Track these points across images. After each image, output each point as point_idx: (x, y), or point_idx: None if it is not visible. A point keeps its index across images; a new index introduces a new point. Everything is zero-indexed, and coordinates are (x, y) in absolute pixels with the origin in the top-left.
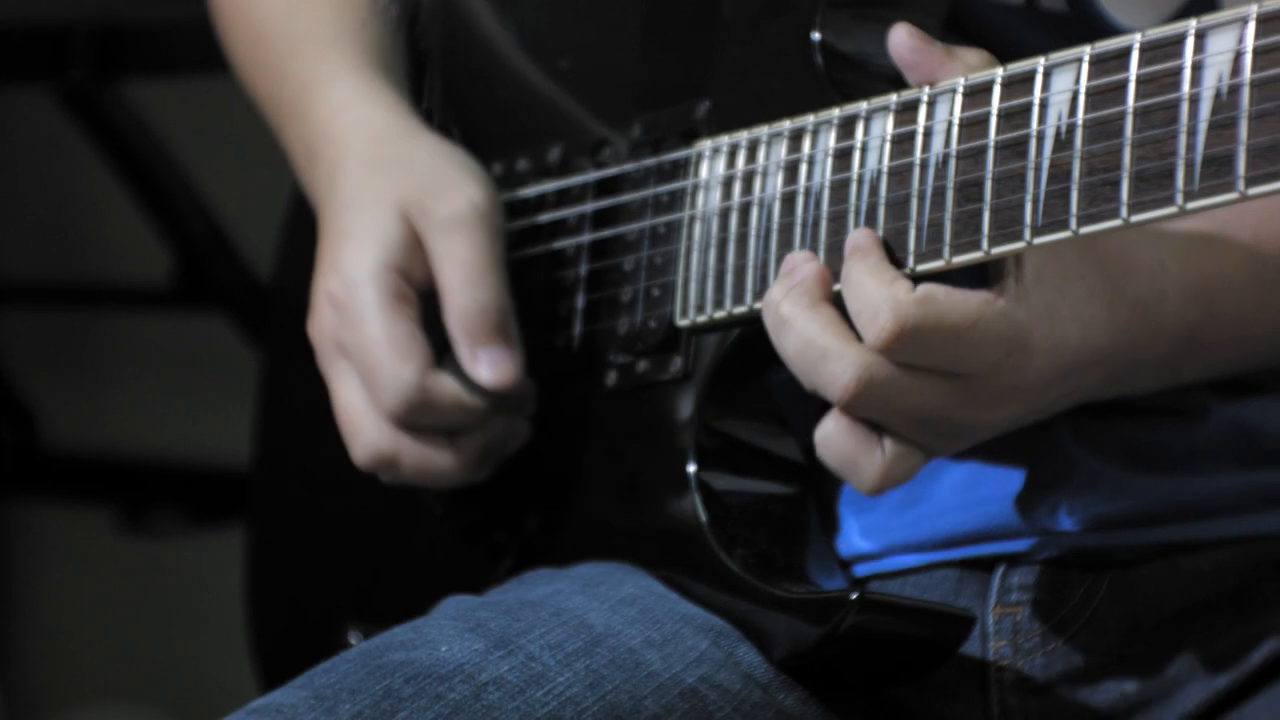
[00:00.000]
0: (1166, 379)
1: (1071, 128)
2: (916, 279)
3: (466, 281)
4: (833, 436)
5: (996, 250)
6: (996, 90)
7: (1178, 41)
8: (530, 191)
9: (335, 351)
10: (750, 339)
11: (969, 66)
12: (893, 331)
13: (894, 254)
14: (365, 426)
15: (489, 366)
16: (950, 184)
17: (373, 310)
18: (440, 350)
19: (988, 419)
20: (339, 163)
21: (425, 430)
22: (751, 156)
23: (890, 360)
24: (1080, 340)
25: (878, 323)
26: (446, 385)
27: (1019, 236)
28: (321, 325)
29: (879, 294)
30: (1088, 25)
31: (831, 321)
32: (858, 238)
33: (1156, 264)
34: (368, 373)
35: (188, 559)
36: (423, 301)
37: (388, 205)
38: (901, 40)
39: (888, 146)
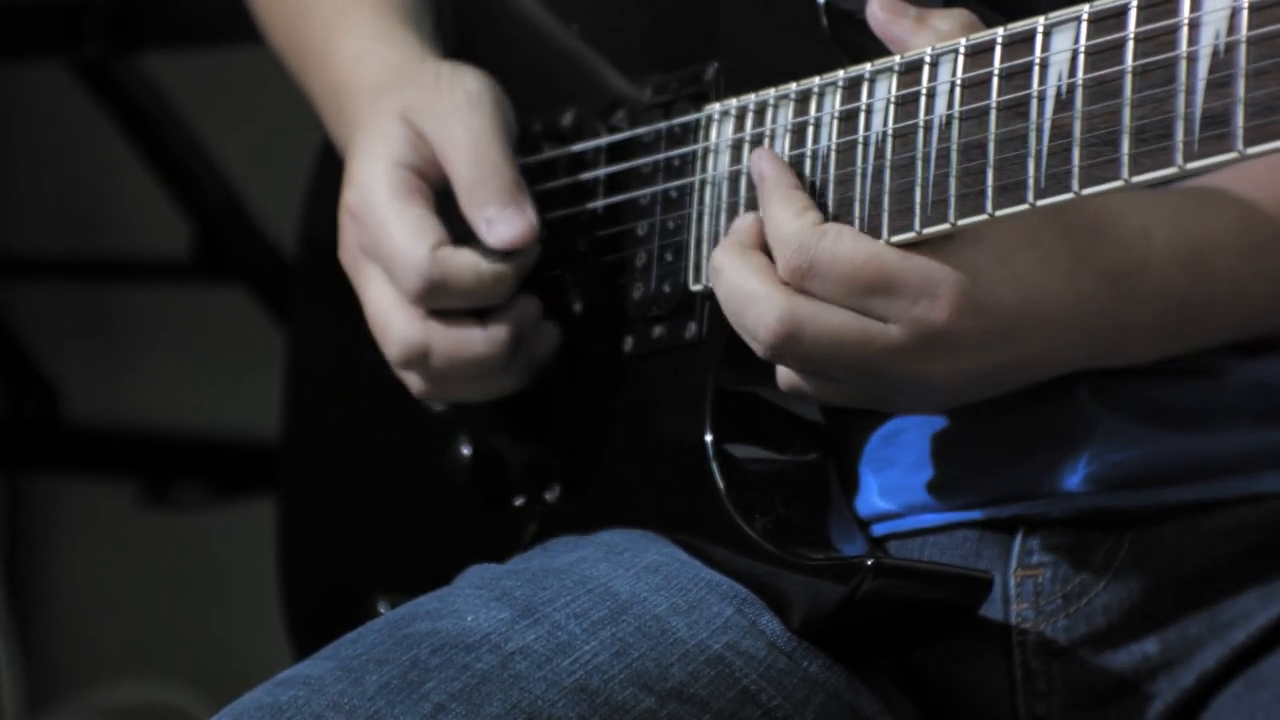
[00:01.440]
0: (1166, 345)
1: (1072, 88)
2: (923, 242)
3: (468, 158)
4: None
5: (1001, 212)
6: (998, 51)
7: None
8: (544, 156)
9: (360, 258)
10: None
11: (940, 34)
12: (795, 264)
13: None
14: (394, 320)
15: (502, 227)
16: (954, 146)
17: (384, 204)
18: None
19: (927, 372)
20: (357, 103)
21: (453, 314)
22: (760, 119)
23: (809, 299)
24: (1018, 304)
25: (784, 254)
26: (462, 255)
27: (1022, 199)
28: (346, 240)
29: (789, 225)
30: None
31: (759, 268)
32: (762, 165)
33: (1138, 232)
34: (389, 264)
35: (212, 532)
36: (441, 200)
37: (390, 115)
38: (874, 11)
39: (892, 108)
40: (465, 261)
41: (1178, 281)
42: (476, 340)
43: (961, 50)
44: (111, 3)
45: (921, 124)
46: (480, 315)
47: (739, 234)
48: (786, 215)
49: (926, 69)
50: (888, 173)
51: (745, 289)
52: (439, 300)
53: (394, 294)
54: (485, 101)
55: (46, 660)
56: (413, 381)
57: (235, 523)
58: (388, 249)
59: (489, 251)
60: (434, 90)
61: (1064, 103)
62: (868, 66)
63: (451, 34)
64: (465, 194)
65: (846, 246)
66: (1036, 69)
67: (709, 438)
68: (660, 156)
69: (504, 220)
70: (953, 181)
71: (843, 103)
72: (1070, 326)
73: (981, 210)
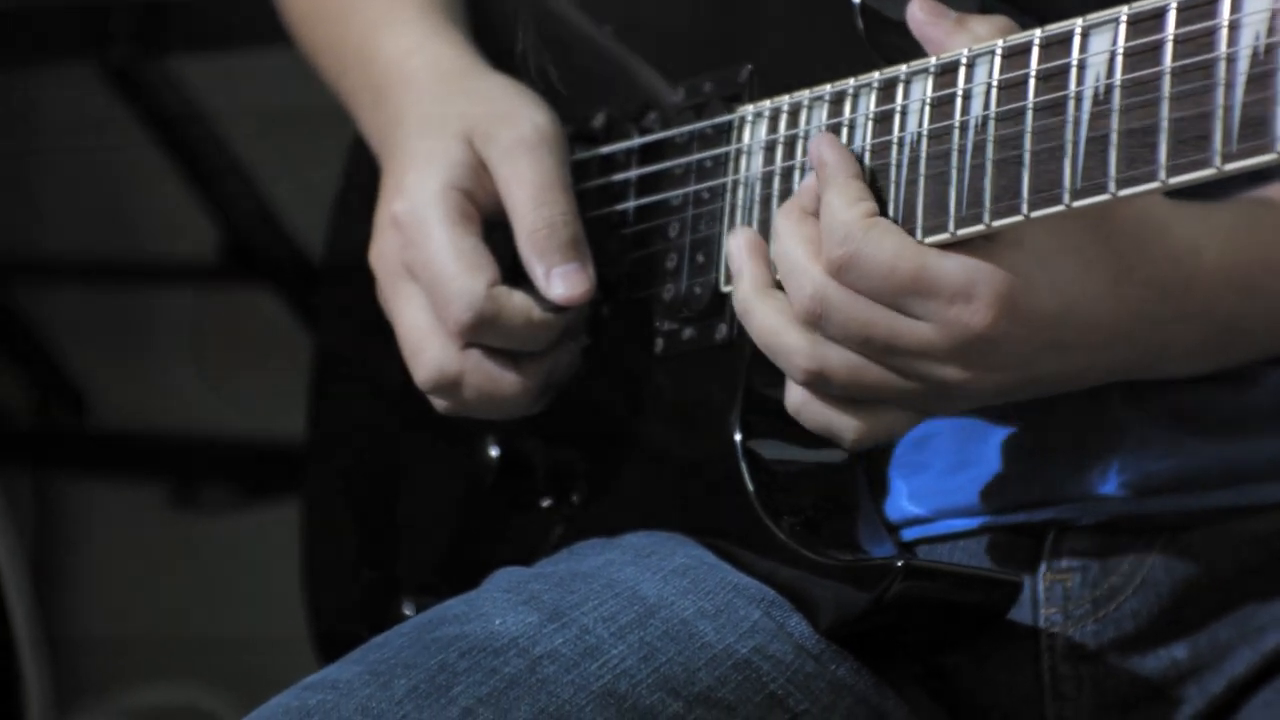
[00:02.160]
0: (1208, 362)
1: (1109, 89)
2: (960, 245)
3: (534, 200)
4: (805, 407)
5: (1036, 214)
6: (1035, 52)
7: (1214, 0)
8: (576, 157)
9: (400, 273)
10: None
11: (977, 37)
12: (837, 255)
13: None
14: (430, 345)
15: (563, 281)
16: (990, 147)
17: (439, 227)
18: (507, 277)
19: (963, 379)
20: (406, 99)
21: (491, 350)
22: (793, 121)
23: (843, 287)
24: (1059, 312)
25: (830, 243)
26: (518, 299)
27: (1058, 200)
28: (385, 249)
29: (840, 215)
30: None
31: (807, 239)
32: (823, 151)
33: (1187, 249)
34: (436, 287)
35: (239, 535)
36: (488, 229)
37: (452, 133)
38: (914, 11)
39: (927, 109)
40: (519, 305)
41: (1225, 301)
42: (509, 382)
43: (999, 51)
44: (139, 6)
45: (957, 125)
46: (514, 356)
47: (802, 196)
48: (840, 204)
49: (963, 70)
50: (922, 174)
51: (790, 257)
52: (482, 336)
53: (432, 319)
54: (554, 139)
55: (73, 662)
56: (437, 403)
57: (262, 525)
58: (440, 275)
59: (541, 298)
60: (502, 116)
61: (1101, 104)
62: (903, 68)
63: (490, 35)
64: (527, 239)
65: (889, 244)
66: (1074, 70)
67: (738, 438)
68: (693, 158)
69: (565, 276)
70: (988, 183)
71: (878, 104)
72: (1114, 337)
73: (1017, 211)
